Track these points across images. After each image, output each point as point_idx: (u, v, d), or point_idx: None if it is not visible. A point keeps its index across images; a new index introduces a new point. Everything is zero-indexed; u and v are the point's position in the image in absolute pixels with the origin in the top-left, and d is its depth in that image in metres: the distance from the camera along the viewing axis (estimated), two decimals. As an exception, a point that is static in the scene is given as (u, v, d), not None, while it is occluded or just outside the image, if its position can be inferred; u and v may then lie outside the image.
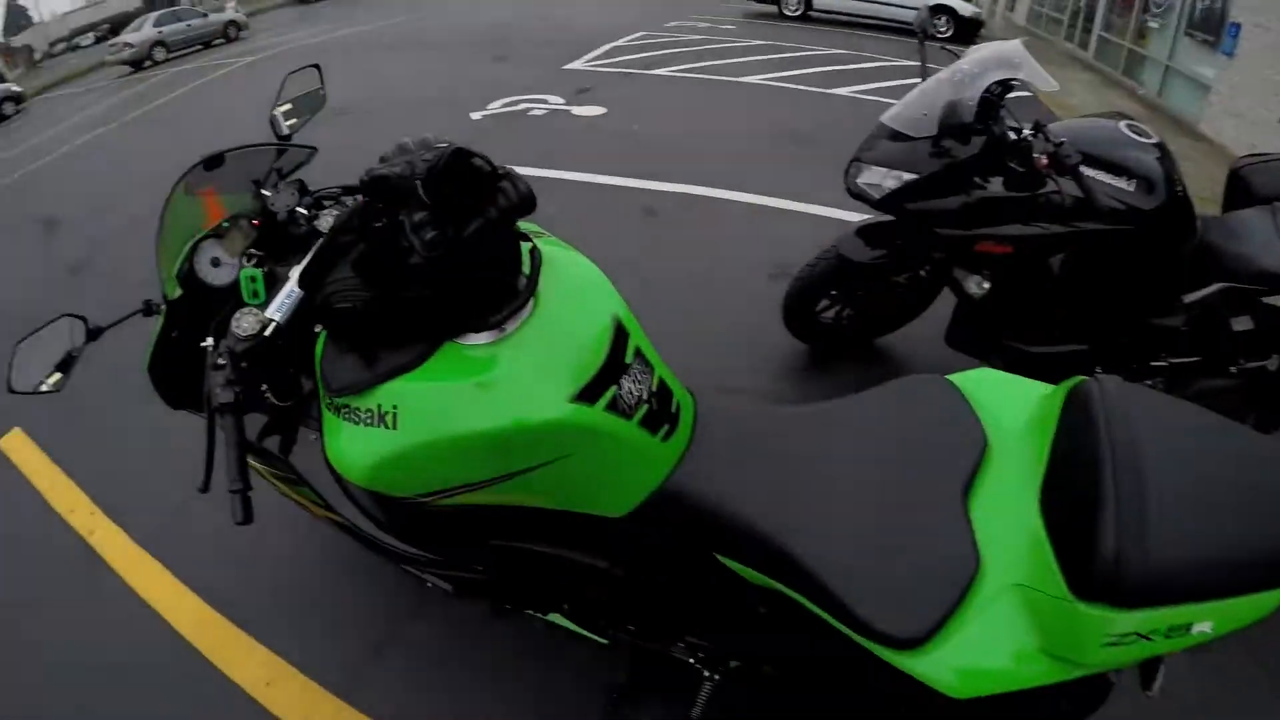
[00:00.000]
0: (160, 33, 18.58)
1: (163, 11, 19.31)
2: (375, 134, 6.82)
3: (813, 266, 2.77)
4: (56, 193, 8.60)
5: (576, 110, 7.16)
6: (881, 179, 2.40)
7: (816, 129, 5.94)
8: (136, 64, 18.30)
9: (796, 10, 12.85)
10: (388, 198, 1.03)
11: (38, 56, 35.18)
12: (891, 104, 2.48)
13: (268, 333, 1.23)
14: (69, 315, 1.34)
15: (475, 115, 7.34)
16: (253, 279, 1.30)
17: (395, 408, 1.07)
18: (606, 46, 10.09)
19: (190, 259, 1.42)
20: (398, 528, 1.34)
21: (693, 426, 1.29)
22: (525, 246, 1.16)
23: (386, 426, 1.07)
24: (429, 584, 1.67)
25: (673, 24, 11.83)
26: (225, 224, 1.48)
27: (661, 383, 1.23)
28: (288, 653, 2.17)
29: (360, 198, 1.47)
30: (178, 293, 1.39)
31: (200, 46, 19.14)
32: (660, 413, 1.20)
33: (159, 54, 18.40)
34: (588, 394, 1.08)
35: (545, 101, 7.52)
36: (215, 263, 1.44)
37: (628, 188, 5.04)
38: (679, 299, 3.50)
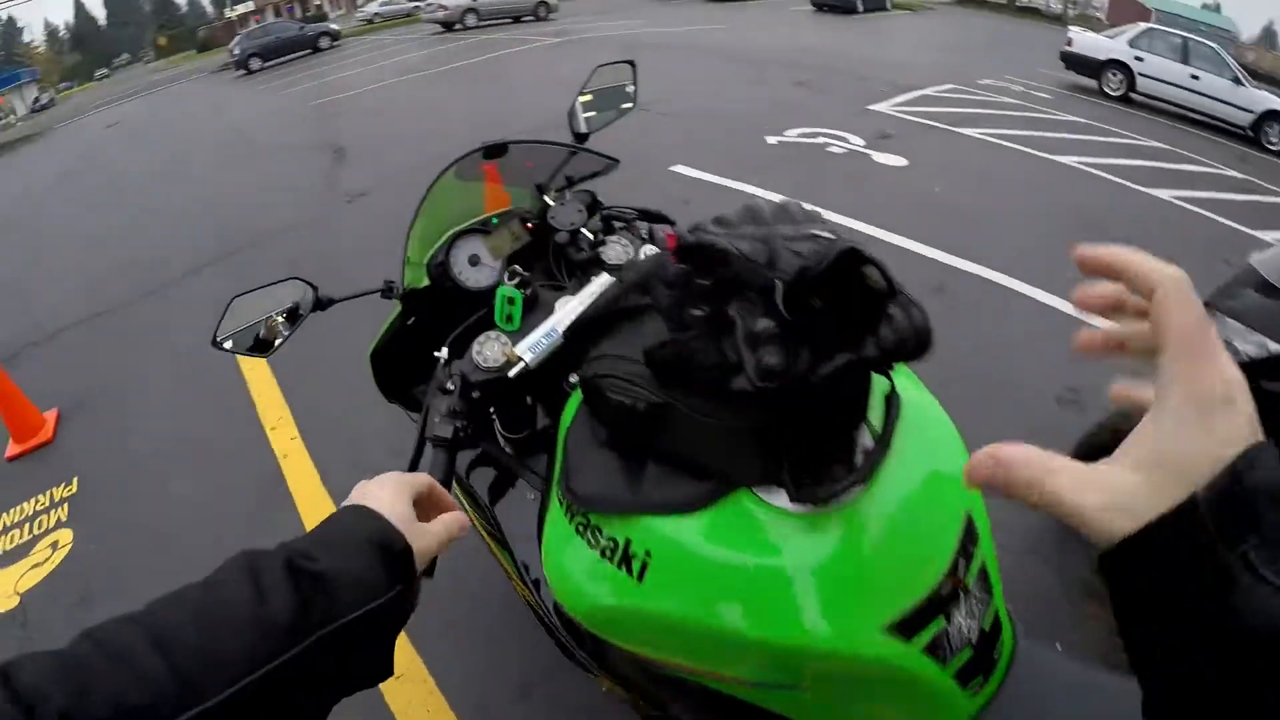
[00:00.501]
0: (475, 0, 20.52)
1: (481, -20, 21.40)
2: (667, 136, 7.09)
3: (1125, 417, 2.41)
4: (352, 126, 9.77)
5: (877, 156, 6.71)
6: (1238, 339, 1.95)
7: (1131, 231, 5.16)
8: (447, 25, 20.61)
9: (1118, 90, 11.77)
10: (720, 280, 0.70)
11: (360, 1, 40.22)
12: (1223, 223, 2.06)
13: (512, 374, 1.04)
14: (298, 279, 1.20)
15: (771, 139, 7.13)
16: (510, 300, 1.11)
17: (648, 554, 0.79)
18: (914, 94, 9.50)
19: (447, 249, 1.26)
20: (597, 657, 1.11)
21: (1005, 675, 0.90)
22: (881, 389, 0.83)
23: (630, 573, 0.80)
24: (604, 689, 1.49)
25: (985, 81, 11.03)
26: (495, 220, 1.31)
27: (995, 617, 0.87)
28: (427, 653, 2.15)
29: (659, 228, 1.23)
30: (424, 283, 1.24)
31: (510, 20, 21.05)
32: (981, 661, 0.84)
33: (470, 20, 20.53)
34: (907, 625, 0.75)
35: (845, 140, 7.11)
36: (474, 261, 1.28)
37: (919, 254, 4.61)
38: (948, 404, 3.13)
